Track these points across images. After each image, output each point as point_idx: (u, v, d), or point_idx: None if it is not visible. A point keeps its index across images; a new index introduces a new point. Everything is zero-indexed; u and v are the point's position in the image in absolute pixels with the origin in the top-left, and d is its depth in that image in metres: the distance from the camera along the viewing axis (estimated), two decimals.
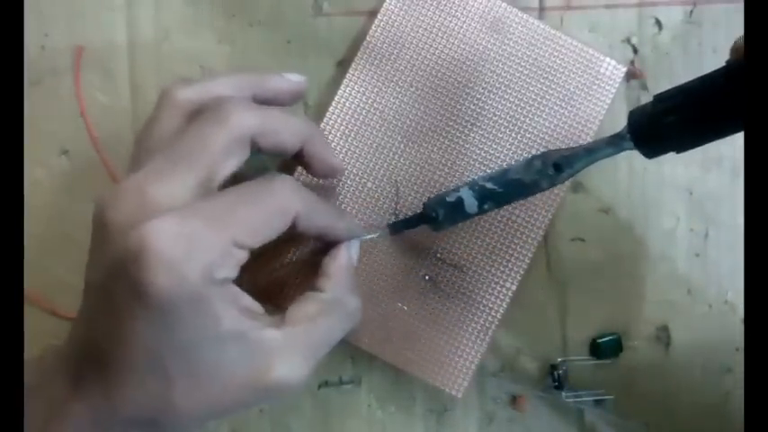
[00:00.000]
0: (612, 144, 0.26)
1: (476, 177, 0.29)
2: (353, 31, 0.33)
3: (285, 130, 0.26)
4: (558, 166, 0.27)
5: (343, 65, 0.33)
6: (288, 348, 0.24)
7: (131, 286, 0.22)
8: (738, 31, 0.33)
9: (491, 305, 0.32)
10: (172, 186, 0.24)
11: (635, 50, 0.33)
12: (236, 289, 0.24)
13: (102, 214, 0.24)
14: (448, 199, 0.29)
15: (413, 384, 0.33)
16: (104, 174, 0.33)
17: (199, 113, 0.26)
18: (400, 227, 0.31)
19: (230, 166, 0.25)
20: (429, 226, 0.30)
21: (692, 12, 0.33)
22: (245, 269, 0.24)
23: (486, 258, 0.32)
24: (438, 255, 0.32)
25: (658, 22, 0.33)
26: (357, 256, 0.30)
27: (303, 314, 0.26)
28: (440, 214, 0.29)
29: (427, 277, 0.32)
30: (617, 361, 0.33)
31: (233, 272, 0.24)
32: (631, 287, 0.33)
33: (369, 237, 0.31)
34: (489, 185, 0.28)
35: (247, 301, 0.24)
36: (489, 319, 0.31)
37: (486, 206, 0.28)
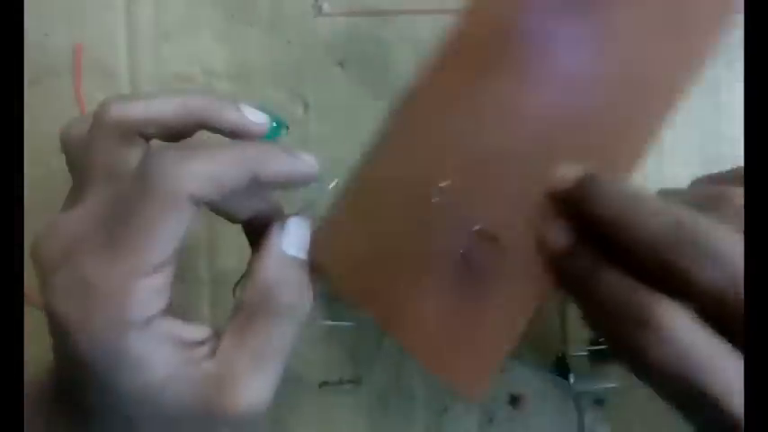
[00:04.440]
0: None
1: None
2: (353, 31, 0.33)
3: (230, 170, 0.22)
4: None
5: (344, 65, 0.33)
6: (226, 376, 0.22)
7: (57, 343, 0.21)
8: (738, 31, 0.33)
9: (526, 293, 0.27)
10: (109, 269, 0.21)
11: None
12: (168, 322, 0.22)
13: (35, 251, 0.22)
14: None
15: (413, 384, 0.33)
16: None
17: (132, 139, 0.23)
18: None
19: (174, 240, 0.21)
20: None
21: None
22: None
23: (530, 237, 0.27)
24: (477, 227, 0.27)
25: None
26: (296, 240, 0.25)
27: (232, 331, 0.23)
28: None
29: (461, 251, 0.27)
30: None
31: (153, 305, 0.21)
32: None
33: (301, 214, 0.26)
34: None
35: (182, 330, 0.22)
36: (523, 307, 0.27)
37: None
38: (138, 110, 0.23)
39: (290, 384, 0.33)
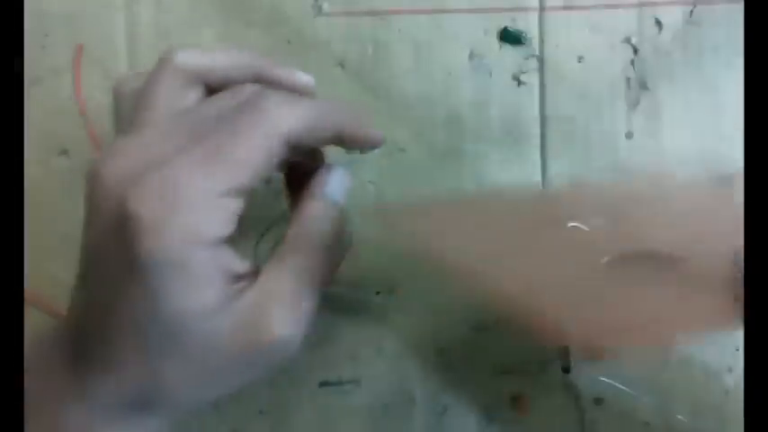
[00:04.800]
0: None
1: None
2: (353, 31, 0.33)
3: (324, 122, 0.24)
4: None
5: (344, 65, 0.33)
6: (263, 305, 0.23)
7: (116, 253, 0.21)
8: (738, 31, 0.33)
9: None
10: (200, 180, 0.22)
11: (635, 50, 0.33)
12: (228, 252, 0.22)
13: (101, 169, 0.22)
14: None
15: (413, 384, 0.33)
16: None
17: (192, 84, 0.24)
18: None
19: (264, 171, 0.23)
20: None
21: (692, 12, 0.33)
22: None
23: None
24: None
25: (658, 22, 0.33)
26: (339, 187, 0.26)
27: (272, 263, 0.24)
28: None
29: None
30: (617, 361, 0.33)
31: (225, 228, 0.22)
32: None
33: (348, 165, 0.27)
34: None
35: (236, 264, 0.23)
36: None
37: None
38: (201, 58, 0.25)
39: (290, 384, 0.33)
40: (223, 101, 0.24)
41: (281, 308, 0.23)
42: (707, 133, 0.33)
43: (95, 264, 0.23)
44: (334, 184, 0.26)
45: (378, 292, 0.33)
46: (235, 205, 0.22)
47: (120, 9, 0.33)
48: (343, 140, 0.25)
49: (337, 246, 0.26)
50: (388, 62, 0.33)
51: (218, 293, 0.22)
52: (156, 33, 0.33)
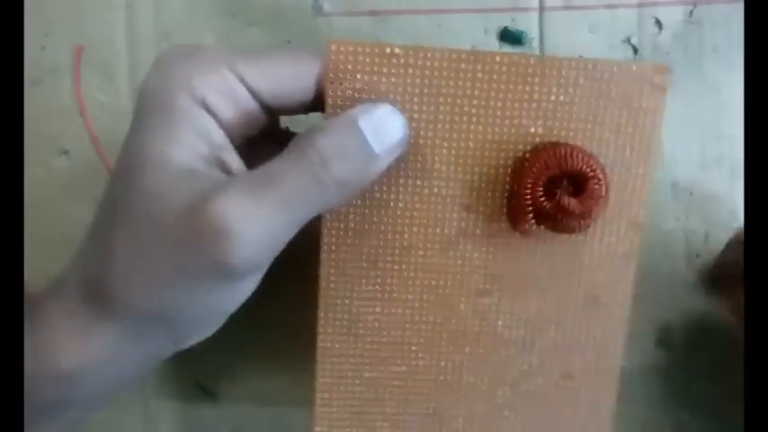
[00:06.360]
0: None
1: None
2: (353, 31, 0.33)
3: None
4: None
5: None
6: (227, 195, 0.20)
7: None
8: (738, 30, 0.33)
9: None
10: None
11: (635, 50, 0.33)
12: (218, 129, 0.23)
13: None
14: None
15: None
16: (104, 174, 0.33)
17: None
18: None
19: None
20: None
21: (692, 12, 0.33)
22: None
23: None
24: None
25: (658, 22, 0.33)
26: (386, 128, 0.22)
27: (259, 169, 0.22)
28: None
29: None
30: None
31: (212, 92, 0.22)
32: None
33: None
34: None
35: (217, 134, 0.23)
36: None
37: None
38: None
39: (290, 384, 0.33)
40: None
41: (241, 195, 0.20)
42: (707, 133, 0.33)
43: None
44: (379, 119, 0.22)
45: None
46: (249, 104, 0.23)
47: (120, 9, 0.33)
48: None
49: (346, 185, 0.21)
50: None
51: (187, 154, 0.22)
52: (156, 33, 0.33)
